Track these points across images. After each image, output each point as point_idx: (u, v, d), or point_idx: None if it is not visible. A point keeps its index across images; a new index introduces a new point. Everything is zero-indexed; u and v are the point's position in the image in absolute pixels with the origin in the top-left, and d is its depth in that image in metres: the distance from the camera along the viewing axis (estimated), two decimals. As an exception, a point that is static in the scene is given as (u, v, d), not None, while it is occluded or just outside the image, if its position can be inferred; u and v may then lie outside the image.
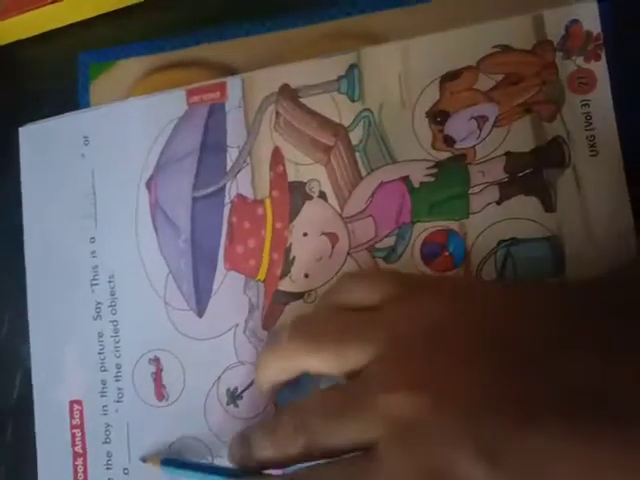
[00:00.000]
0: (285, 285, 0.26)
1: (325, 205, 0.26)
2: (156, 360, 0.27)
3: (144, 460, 0.26)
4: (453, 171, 0.24)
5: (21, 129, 0.30)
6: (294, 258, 0.26)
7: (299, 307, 0.26)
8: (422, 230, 0.25)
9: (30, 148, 0.30)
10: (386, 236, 0.25)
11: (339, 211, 0.26)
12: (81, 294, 0.28)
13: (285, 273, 0.26)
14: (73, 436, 0.28)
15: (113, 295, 0.28)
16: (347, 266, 0.25)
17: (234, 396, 0.26)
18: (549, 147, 0.24)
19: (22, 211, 0.29)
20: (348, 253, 0.25)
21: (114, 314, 0.28)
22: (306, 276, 0.26)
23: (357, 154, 0.25)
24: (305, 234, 0.26)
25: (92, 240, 0.28)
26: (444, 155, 0.24)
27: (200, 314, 0.27)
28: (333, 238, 0.25)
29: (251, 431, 0.23)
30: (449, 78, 0.25)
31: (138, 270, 0.28)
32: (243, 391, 0.26)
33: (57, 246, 0.29)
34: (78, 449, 0.28)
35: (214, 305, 0.26)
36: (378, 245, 0.25)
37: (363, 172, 0.25)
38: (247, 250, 0.26)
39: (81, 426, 0.28)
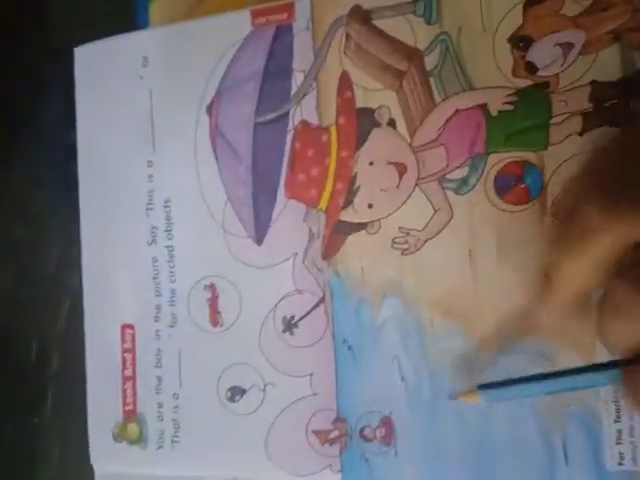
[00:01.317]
0: (347, 215, 0.25)
1: (394, 133, 0.24)
2: (212, 286, 0.26)
3: (454, 397, 0.23)
4: (534, 99, 0.23)
5: (76, 49, 0.28)
6: (358, 187, 0.25)
7: (361, 238, 0.25)
8: (497, 161, 0.23)
9: (85, 68, 0.28)
10: (458, 167, 0.23)
11: (409, 140, 0.24)
12: (136, 218, 0.27)
13: (348, 203, 0.25)
14: (124, 360, 0.27)
15: (169, 220, 0.27)
16: (414, 197, 0.24)
17: (290, 324, 0.25)
18: (638, 76, 0.22)
19: (76, 133, 0.29)
20: (416, 184, 0.24)
21: (170, 239, 0.27)
22: (370, 206, 0.25)
23: (431, 80, 0.24)
24: (371, 163, 0.25)
25: (149, 164, 0.27)
26: (525, 82, 0.23)
27: (259, 242, 0.26)
28: (401, 168, 0.24)
29: None
30: (534, 2, 0.23)
31: (196, 196, 0.26)
32: (300, 319, 0.25)
33: (112, 169, 0.28)
34: (128, 373, 0.27)
35: (273, 233, 0.25)
36: (449, 176, 0.24)
37: (437, 99, 0.24)
38: (309, 178, 0.25)
39: (132, 350, 0.27)
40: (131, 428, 0.27)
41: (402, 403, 0.23)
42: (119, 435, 0.27)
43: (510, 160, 0.23)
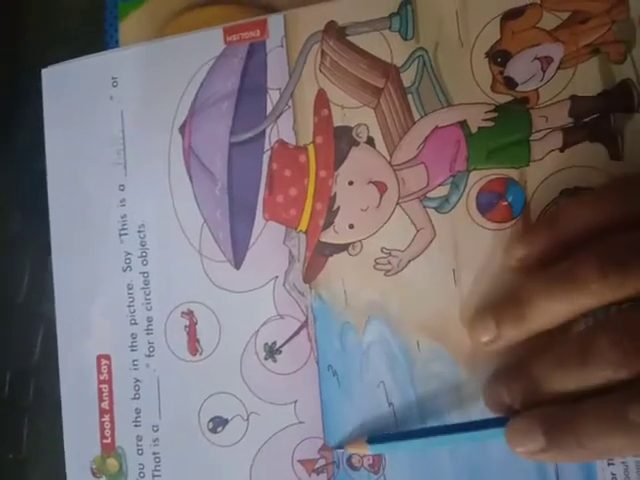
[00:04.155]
0: (328, 236, 0.23)
1: (373, 151, 0.23)
2: (189, 313, 0.25)
3: (341, 447, 0.22)
4: (514, 115, 0.22)
5: (44, 70, 0.27)
6: (338, 208, 0.23)
7: (343, 259, 0.24)
8: (478, 178, 0.22)
9: (54, 90, 0.26)
10: (439, 185, 0.22)
11: (388, 158, 0.23)
12: (109, 245, 0.25)
13: (328, 224, 0.23)
14: (100, 392, 0.26)
15: (144, 245, 0.25)
16: (396, 217, 0.23)
17: (273, 350, 0.24)
18: (617, 90, 0.21)
19: (45, 158, 0.27)
20: (397, 203, 0.23)
21: (145, 265, 0.25)
22: (351, 227, 0.23)
23: (409, 97, 0.23)
24: (351, 182, 0.23)
25: (121, 188, 0.26)
26: (504, 98, 0.22)
27: (237, 266, 0.24)
28: (381, 187, 0.23)
29: (531, 364, 0.19)
30: (511, 16, 0.22)
31: (171, 219, 0.25)
32: (283, 345, 0.23)
33: (83, 194, 0.26)
34: (105, 405, 0.26)
35: (252, 256, 0.24)
36: (430, 194, 0.22)
37: (416, 116, 0.23)
38: (288, 199, 0.24)
39: (109, 381, 0.26)
40: (110, 463, 0.25)
41: (390, 430, 0.22)
42: (98, 470, 0.25)
43: (492, 177, 0.22)
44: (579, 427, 0.18)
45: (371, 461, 0.22)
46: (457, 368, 0.22)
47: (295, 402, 0.23)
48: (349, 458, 0.23)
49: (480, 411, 0.21)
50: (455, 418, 0.21)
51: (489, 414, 0.21)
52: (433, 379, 0.22)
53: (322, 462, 0.23)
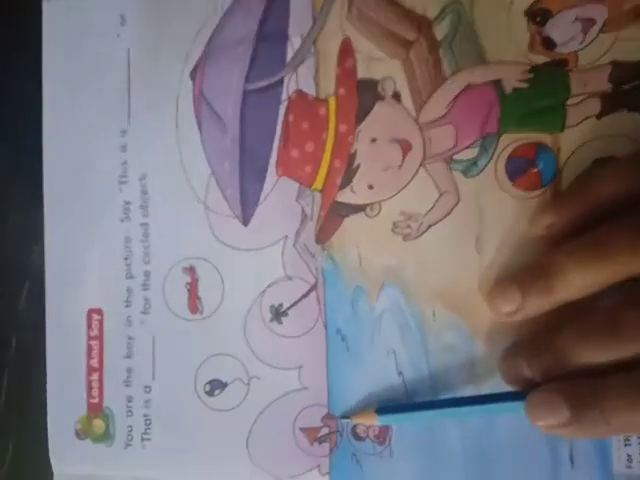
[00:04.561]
0: (345, 196, 0.22)
1: (399, 107, 0.22)
2: (191, 269, 0.23)
3: (346, 417, 0.21)
4: (551, 78, 0.20)
5: (45, 3, 0.24)
6: (358, 166, 0.22)
7: (359, 221, 0.22)
8: (509, 142, 0.21)
9: (55, 25, 0.24)
10: (467, 147, 0.21)
11: (414, 115, 0.21)
12: (107, 192, 0.23)
13: (346, 183, 0.22)
14: (89, 348, 0.24)
15: (144, 195, 0.24)
16: (419, 179, 0.22)
17: (279, 313, 0.22)
18: (661, 59, 0.21)
19: (41, 94, 0.25)
20: (421, 164, 0.22)
21: (145, 216, 0.24)
22: (370, 187, 0.22)
23: (441, 51, 0.21)
24: (373, 140, 0.22)
25: (123, 133, 0.24)
26: (542, 59, 0.20)
27: (245, 222, 0.23)
28: (405, 146, 0.22)
29: (554, 336, 0.18)
30: (554, -28, 0.21)
31: (175, 168, 0.23)
32: (289, 308, 0.22)
33: (81, 137, 0.24)
34: (94, 363, 0.24)
35: (262, 213, 0.22)
36: (457, 157, 0.21)
37: (447, 72, 0.21)
38: (304, 155, 0.22)
39: (99, 338, 0.24)
40: (96, 424, 0.24)
41: (398, 400, 0.21)
42: (83, 431, 0.24)
43: (523, 142, 0.21)
44: (606, 401, 0.17)
45: (377, 432, 0.21)
46: (473, 340, 0.21)
47: (300, 367, 0.22)
48: (354, 428, 0.21)
49: (494, 385, 0.20)
50: (468, 391, 0.20)
51: (503, 388, 0.20)
52: (447, 350, 0.21)
53: (325, 431, 0.22)
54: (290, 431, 0.22)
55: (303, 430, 0.22)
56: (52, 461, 0.24)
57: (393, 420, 0.20)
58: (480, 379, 0.20)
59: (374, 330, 0.21)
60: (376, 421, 0.20)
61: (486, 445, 0.20)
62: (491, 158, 0.21)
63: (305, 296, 0.22)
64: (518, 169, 0.21)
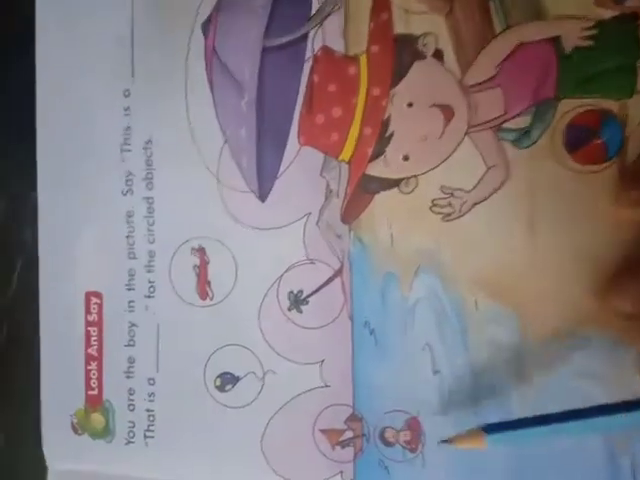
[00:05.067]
0: (377, 169, 0.19)
1: (441, 68, 0.19)
2: (201, 250, 0.21)
3: (445, 441, 0.18)
4: (619, 34, 0.17)
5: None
6: (392, 134, 0.19)
7: (392, 197, 0.20)
8: (569, 109, 0.18)
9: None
10: (520, 114, 0.18)
11: (459, 77, 0.19)
12: (107, 161, 0.21)
13: (378, 153, 0.19)
14: (87, 335, 0.22)
15: (149, 166, 0.21)
16: (463, 150, 0.19)
17: (298, 300, 0.20)
18: None
19: (34, 52, 0.22)
20: (466, 133, 0.19)
21: (149, 189, 0.21)
22: (406, 159, 0.19)
23: (491, 4, 0.18)
24: (410, 104, 0.19)
25: (126, 93, 0.21)
26: (609, 13, 0.17)
27: (263, 198, 0.20)
28: (447, 112, 0.19)
29: None
30: None
31: (184, 136, 0.20)
32: (310, 295, 0.20)
33: (78, 98, 0.21)
34: (92, 351, 0.22)
35: (281, 188, 0.20)
36: (507, 125, 0.18)
37: (497, 28, 0.18)
38: (330, 121, 0.20)
39: (99, 323, 0.22)
40: (95, 418, 0.22)
41: (433, 402, 0.19)
42: (80, 426, 0.22)
43: (585, 109, 0.18)
44: None
45: (408, 437, 0.19)
46: (522, 334, 0.18)
47: (321, 362, 0.19)
48: (382, 432, 0.19)
49: (546, 387, 0.18)
50: (515, 394, 0.18)
51: (561, 390, 0.17)
52: (491, 345, 0.18)
53: (349, 434, 0.19)
54: (309, 433, 0.19)
55: (324, 432, 0.19)
56: (46, 456, 0.22)
57: (505, 440, 0.17)
58: (530, 378, 0.18)
59: (407, 322, 0.19)
60: (484, 444, 0.17)
61: (535, 457, 0.18)
62: (547, 127, 0.18)
63: (329, 282, 0.19)
64: (579, 140, 0.18)
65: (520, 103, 0.18)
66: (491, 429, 0.18)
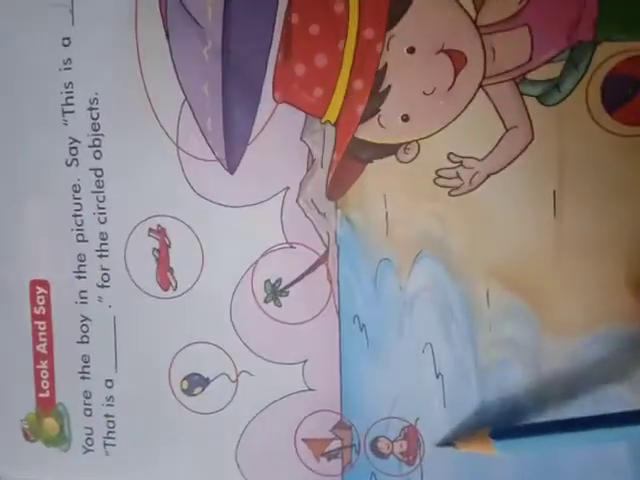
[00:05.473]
0: (369, 132, 0.16)
1: (449, 3, 0.16)
2: (161, 231, 0.18)
3: (449, 444, 0.16)
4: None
5: None
6: (389, 88, 0.16)
7: (388, 167, 0.17)
8: (609, 56, 0.14)
9: None
10: (548, 61, 0.15)
11: (473, 15, 0.15)
12: (47, 126, 0.17)
13: (372, 112, 0.16)
14: (35, 330, 0.19)
15: (96, 130, 0.18)
16: (476, 107, 0.15)
17: (276, 291, 0.17)
18: None
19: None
20: (480, 85, 0.15)
21: (98, 158, 0.18)
22: (405, 119, 0.16)
23: None
24: (411, 50, 0.16)
25: (65, 41, 0.17)
26: None
27: (231, 168, 0.17)
28: (458, 59, 0.15)
29: None
30: None
31: (136, 93, 0.17)
32: (290, 285, 0.17)
33: (8, 50, 0.18)
34: (41, 348, 0.19)
35: (253, 156, 0.16)
36: (532, 76, 0.15)
37: (522, -51, 0.15)
38: (312, 72, 0.16)
39: (47, 317, 0.19)
40: (48, 423, 0.19)
41: (435, 408, 0.16)
42: (32, 432, 0.19)
43: (630, 55, 0.14)
44: None
45: (405, 448, 0.17)
46: (541, 332, 0.15)
47: (304, 362, 0.17)
48: (374, 441, 0.17)
49: (565, 391, 0.16)
50: (531, 400, 0.16)
51: (579, 398, 0.15)
52: (504, 345, 0.15)
53: (336, 444, 0.17)
54: (290, 442, 0.17)
55: (307, 442, 0.17)
56: (-4, 464, 0.20)
57: (513, 447, 0.15)
58: (549, 385, 0.15)
59: (404, 317, 0.16)
60: (493, 449, 0.15)
61: (547, 464, 0.16)
62: (582, 78, 0.15)
63: (312, 270, 0.16)
64: (620, 94, 0.14)
65: (549, 47, 0.15)
66: (500, 434, 0.15)
